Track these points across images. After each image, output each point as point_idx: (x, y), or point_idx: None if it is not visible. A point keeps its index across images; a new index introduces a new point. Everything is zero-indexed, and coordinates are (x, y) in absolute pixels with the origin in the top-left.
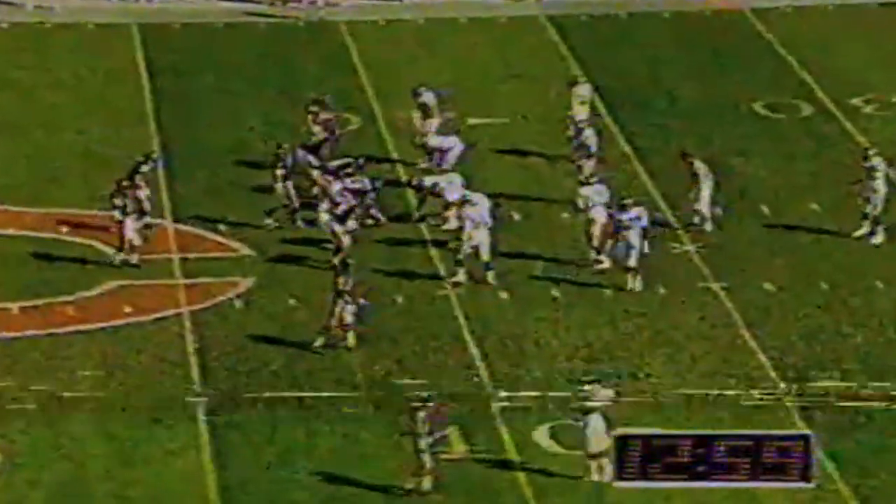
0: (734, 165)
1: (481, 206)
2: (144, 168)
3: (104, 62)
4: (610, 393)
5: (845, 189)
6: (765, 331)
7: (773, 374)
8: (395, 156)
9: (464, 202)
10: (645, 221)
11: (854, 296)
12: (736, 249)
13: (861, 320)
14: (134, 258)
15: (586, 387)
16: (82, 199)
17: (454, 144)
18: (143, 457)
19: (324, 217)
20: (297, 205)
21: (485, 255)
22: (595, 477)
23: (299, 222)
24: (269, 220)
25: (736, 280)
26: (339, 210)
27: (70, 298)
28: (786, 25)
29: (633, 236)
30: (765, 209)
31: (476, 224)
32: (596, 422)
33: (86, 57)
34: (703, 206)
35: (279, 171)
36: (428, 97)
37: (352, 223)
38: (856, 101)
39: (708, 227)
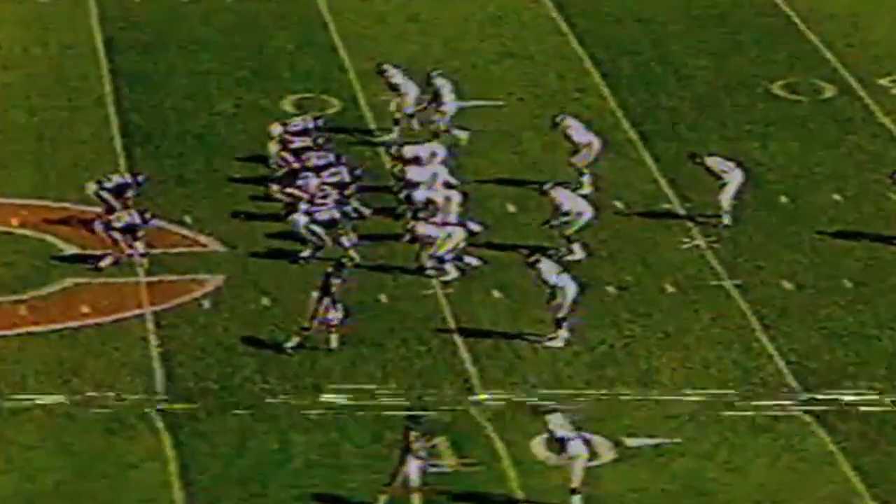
0: (750, 151)
1: (453, 203)
2: (130, 192)
3: (58, 38)
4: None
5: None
6: (783, 333)
7: (792, 380)
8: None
9: (427, 204)
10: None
11: (880, 295)
12: (751, 244)
13: (888, 322)
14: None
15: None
16: (35, 187)
17: (436, 150)
18: (100, 470)
19: (300, 220)
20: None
21: (459, 247)
22: None
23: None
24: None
25: (751, 277)
26: (321, 218)
27: (22, 298)
28: None
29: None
30: (783, 200)
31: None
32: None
33: (38, 32)
34: (724, 199)
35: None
36: (396, 75)
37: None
38: (883, 81)
39: (726, 220)
